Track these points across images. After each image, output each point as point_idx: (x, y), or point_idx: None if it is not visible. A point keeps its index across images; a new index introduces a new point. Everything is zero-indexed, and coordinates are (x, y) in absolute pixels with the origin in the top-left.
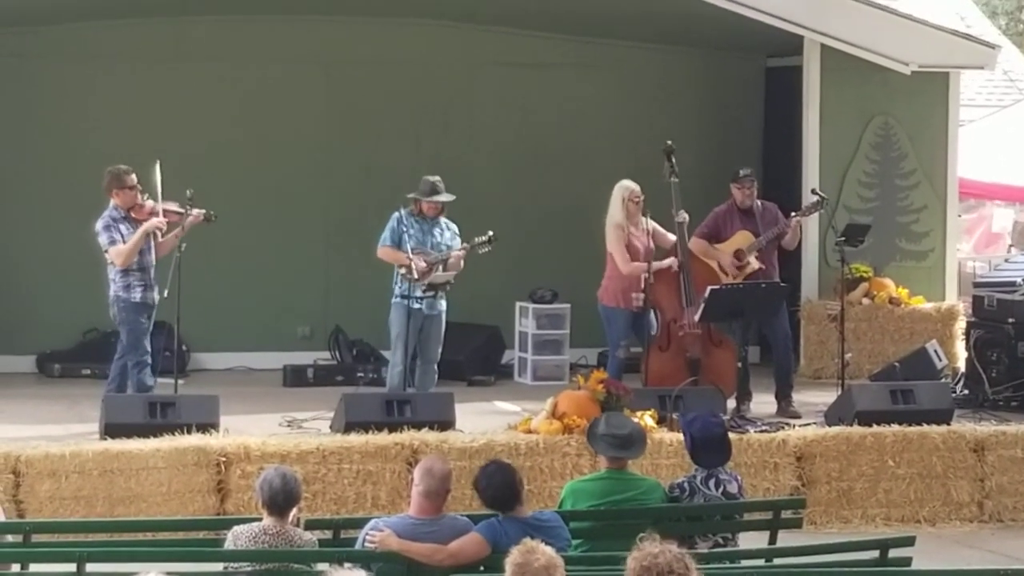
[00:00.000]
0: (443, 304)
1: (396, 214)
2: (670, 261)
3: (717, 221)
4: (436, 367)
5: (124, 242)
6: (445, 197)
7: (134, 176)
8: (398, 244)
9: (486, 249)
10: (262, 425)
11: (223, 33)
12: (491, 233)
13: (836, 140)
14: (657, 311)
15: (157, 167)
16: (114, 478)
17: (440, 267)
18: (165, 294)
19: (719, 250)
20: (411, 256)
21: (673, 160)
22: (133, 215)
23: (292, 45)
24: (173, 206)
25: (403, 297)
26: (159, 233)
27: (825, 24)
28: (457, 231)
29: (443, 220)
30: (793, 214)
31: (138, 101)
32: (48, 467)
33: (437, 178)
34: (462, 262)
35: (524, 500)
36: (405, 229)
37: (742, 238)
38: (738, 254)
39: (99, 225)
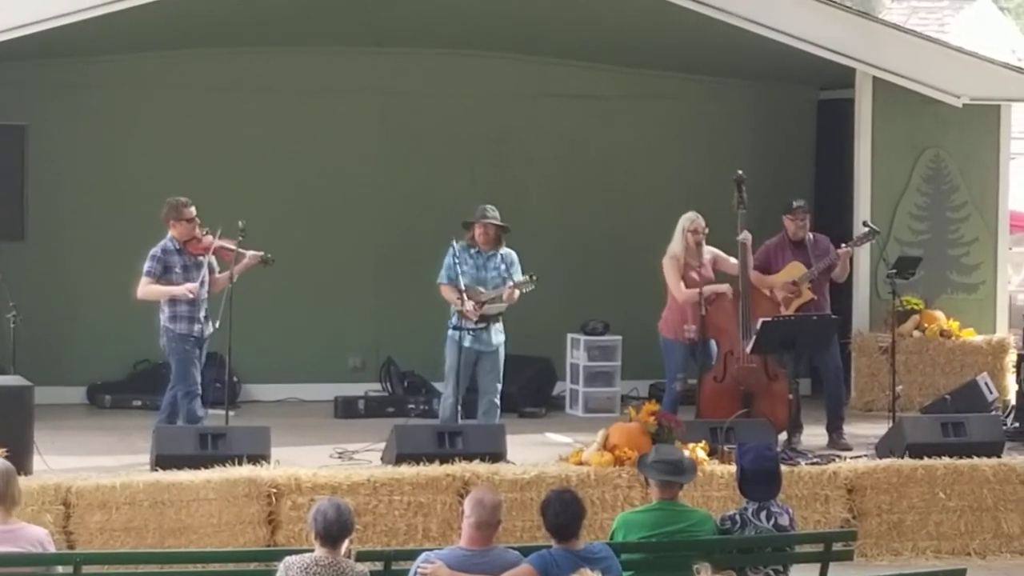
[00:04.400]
0: (499, 338)
1: (450, 248)
2: (724, 287)
3: (768, 253)
4: (497, 401)
5: (172, 274)
6: (492, 217)
7: (193, 209)
8: (454, 280)
9: (530, 288)
10: (313, 456)
11: (278, 64)
12: (534, 276)
13: (888, 172)
14: (716, 342)
15: (241, 225)
16: (165, 509)
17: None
18: (217, 325)
19: (771, 280)
20: (462, 296)
21: (743, 190)
22: (189, 248)
23: (347, 76)
24: (230, 244)
25: (455, 329)
26: (215, 268)
27: (877, 57)
28: (516, 259)
29: (502, 252)
30: (844, 245)
31: (192, 132)
32: (99, 498)
33: (490, 205)
34: (516, 295)
35: (581, 534)
36: (459, 263)
37: (793, 270)
38: (791, 285)
39: (150, 251)
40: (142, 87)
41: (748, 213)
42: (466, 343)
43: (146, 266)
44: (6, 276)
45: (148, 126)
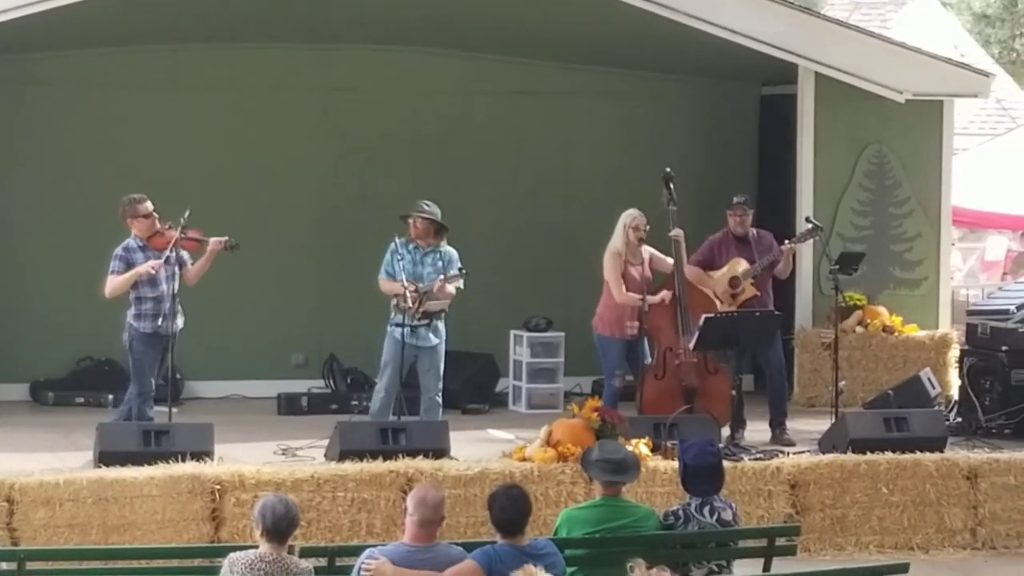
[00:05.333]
0: (438, 336)
1: (391, 244)
2: (663, 295)
3: (712, 249)
4: (439, 399)
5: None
6: (427, 212)
7: (149, 204)
8: (393, 276)
9: (458, 283)
10: (256, 453)
11: (220, 61)
12: (461, 268)
13: (830, 168)
14: (653, 339)
15: (187, 213)
16: (108, 506)
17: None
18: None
19: (713, 277)
20: (405, 289)
21: (672, 187)
22: (153, 244)
23: (289, 73)
24: (195, 234)
25: (397, 326)
26: (187, 261)
27: (820, 52)
28: (456, 257)
29: (441, 249)
30: (787, 241)
31: (135, 128)
32: (42, 495)
33: (427, 201)
34: (452, 288)
35: (527, 529)
36: (399, 259)
37: (736, 266)
38: (733, 281)
39: (114, 251)
40: (86, 84)
41: (691, 209)
42: (407, 340)
43: (111, 265)
44: None
45: (92, 122)
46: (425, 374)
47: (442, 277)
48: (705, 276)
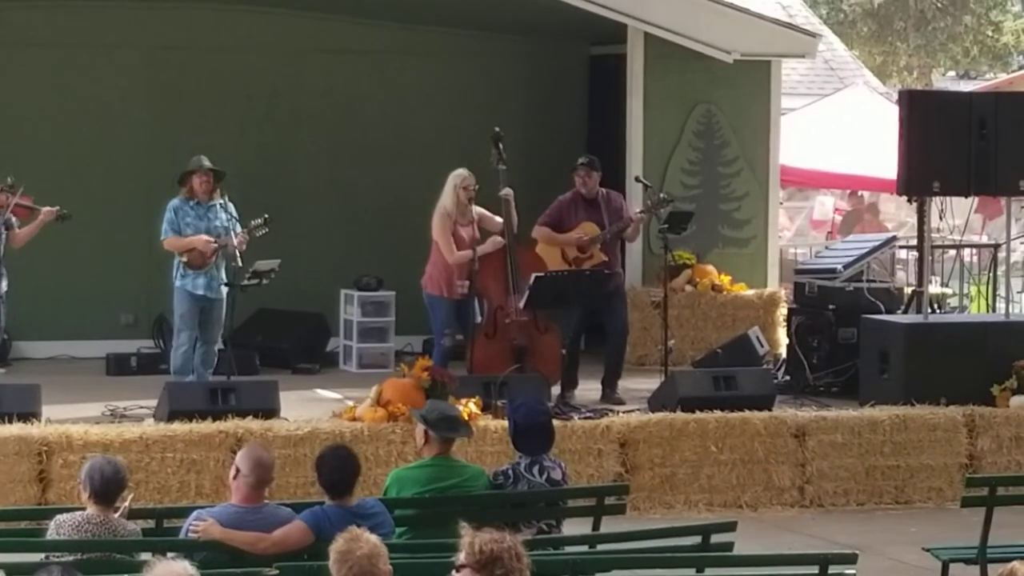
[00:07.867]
0: (224, 288)
1: (171, 203)
2: (492, 241)
3: (560, 210)
4: (216, 348)
5: None
6: (210, 166)
7: None
8: (179, 233)
9: (264, 231)
10: (85, 414)
11: (44, 19)
12: (265, 216)
13: (659, 128)
14: (483, 298)
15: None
16: None
17: (223, 251)
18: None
19: (563, 238)
20: (210, 240)
21: (500, 147)
22: None
23: (114, 30)
24: (26, 201)
25: (226, 285)
26: (14, 225)
27: (648, 12)
28: (235, 211)
29: (219, 202)
30: (639, 211)
31: None
32: None
33: (202, 156)
34: (244, 245)
35: (355, 490)
36: (182, 217)
37: (586, 229)
38: (581, 246)
39: None
40: None
41: (520, 169)
42: (199, 291)
43: None
44: None
45: None
46: (215, 325)
47: (244, 230)
48: (556, 236)
